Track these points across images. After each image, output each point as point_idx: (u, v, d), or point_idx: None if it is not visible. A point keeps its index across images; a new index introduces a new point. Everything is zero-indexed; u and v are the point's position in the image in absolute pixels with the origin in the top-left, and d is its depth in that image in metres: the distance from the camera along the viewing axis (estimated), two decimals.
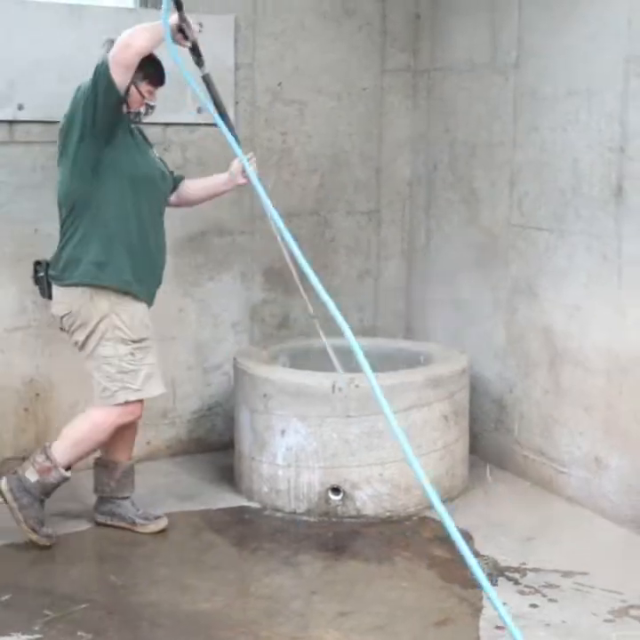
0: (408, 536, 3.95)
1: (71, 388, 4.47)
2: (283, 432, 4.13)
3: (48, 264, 3.77)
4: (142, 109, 3.73)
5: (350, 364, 4.31)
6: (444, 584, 3.53)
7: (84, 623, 3.21)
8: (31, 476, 3.73)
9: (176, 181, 4.02)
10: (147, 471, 4.44)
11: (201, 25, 3.67)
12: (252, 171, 3.70)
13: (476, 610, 3.32)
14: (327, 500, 4.10)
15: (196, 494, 4.36)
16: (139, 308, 3.76)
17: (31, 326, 4.41)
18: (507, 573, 3.59)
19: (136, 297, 3.74)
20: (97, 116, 3.55)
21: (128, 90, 3.59)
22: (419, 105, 5.20)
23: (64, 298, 3.74)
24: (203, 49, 3.66)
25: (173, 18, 3.52)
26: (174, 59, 3.53)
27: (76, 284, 3.68)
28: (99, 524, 3.96)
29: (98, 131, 3.58)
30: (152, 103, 3.75)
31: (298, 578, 3.61)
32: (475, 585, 3.48)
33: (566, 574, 3.58)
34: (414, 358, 4.62)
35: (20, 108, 4.24)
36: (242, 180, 3.97)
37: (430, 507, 4.12)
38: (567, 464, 4.30)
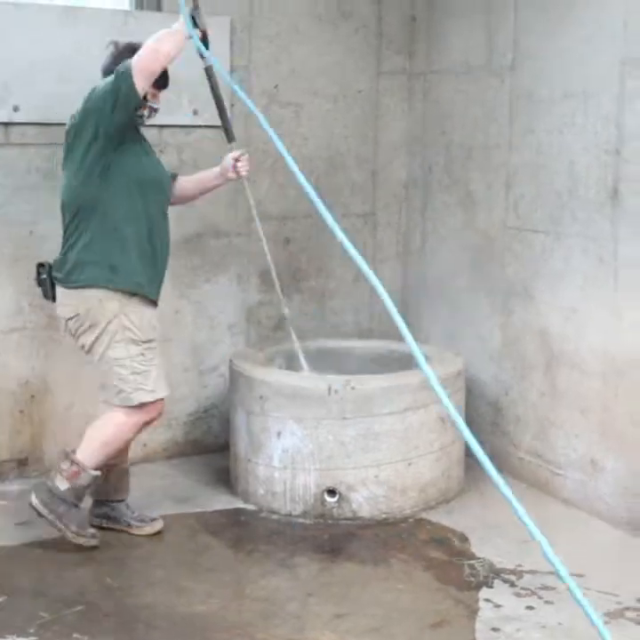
0: (404, 538, 3.95)
1: (67, 390, 4.47)
2: (279, 434, 4.12)
3: (51, 266, 3.77)
4: (145, 112, 3.73)
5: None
6: (439, 586, 3.52)
7: (79, 625, 3.20)
8: (61, 484, 3.70)
9: (172, 179, 4.02)
10: (143, 473, 4.44)
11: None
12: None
13: (472, 612, 3.32)
14: (323, 502, 4.09)
15: (191, 496, 4.35)
16: (147, 308, 3.75)
17: (27, 328, 4.41)
18: (503, 575, 3.59)
19: (145, 298, 3.73)
20: (114, 119, 3.55)
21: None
22: (414, 107, 5.20)
23: (71, 300, 3.72)
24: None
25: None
26: (202, 53, 3.61)
27: (86, 287, 3.67)
28: (93, 527, 3.95)
29: (111, 134, 3.58)
30: (155, 106, 3.76)
31: (294, 580, 3.61)
32: (470, 587, 3.50)
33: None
34: (410, 360, 4.60)
35: (16, 109, 4.23)
36: (232, 175, 4.00)
37: (426, 508, 4.17)
38: (563, 466, 4.30)
